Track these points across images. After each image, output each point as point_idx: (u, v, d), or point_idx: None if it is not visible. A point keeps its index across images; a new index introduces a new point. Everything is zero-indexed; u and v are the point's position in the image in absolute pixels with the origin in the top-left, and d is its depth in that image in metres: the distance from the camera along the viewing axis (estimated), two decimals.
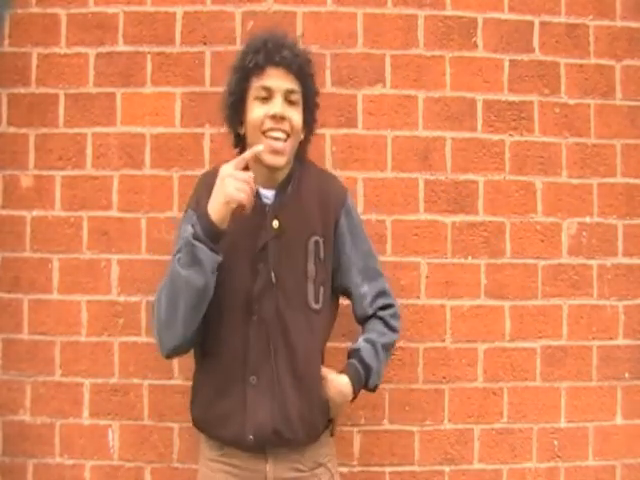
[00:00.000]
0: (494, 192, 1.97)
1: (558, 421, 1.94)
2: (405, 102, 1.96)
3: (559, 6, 1.99)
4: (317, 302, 1.46)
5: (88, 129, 1.95)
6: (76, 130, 1.95)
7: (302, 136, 1.50)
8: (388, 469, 1.90)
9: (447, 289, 1.94)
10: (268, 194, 1.48)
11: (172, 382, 1.91)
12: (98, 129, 1.95)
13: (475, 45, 1.97)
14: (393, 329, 1.58)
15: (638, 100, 2.01)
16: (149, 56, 1.95)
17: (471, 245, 1.95)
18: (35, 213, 1.95)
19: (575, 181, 1.98)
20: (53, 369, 1.92)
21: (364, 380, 1.52)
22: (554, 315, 1.96)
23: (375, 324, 1.57)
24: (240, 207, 1.34)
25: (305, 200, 1.49)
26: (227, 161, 1.38)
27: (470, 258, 1.95)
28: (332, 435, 1.57)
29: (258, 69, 1.42)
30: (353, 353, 1.54)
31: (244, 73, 1.44)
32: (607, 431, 1.95)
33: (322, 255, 1.47)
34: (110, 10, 1.95)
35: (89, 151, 1.95)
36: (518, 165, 1.97)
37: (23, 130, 1.96)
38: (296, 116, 1.44)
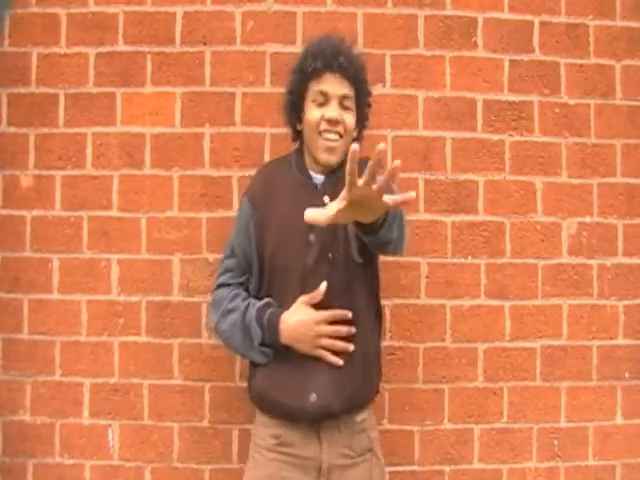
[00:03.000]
0: (494, 192, 1.97)
1: (558, 421, 1.94)
2: (405, 102, 1.96)
3: (559, 6, 1.99)
4: (361, 256, 1.51)
5: (88, 129, 1.95)
6: (76, 130, 1.95)
7: (355, 134, 1.59)
8: (388, 469, 1.89)
9: (447, 289, 1.94)
10: (319, 177, 1.57)
11: (172, 382, 1.91)
12: (98, 129, 1.95)
13: (475, 45, 1.97)
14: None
15: (638, 100, 2.01)
16: (149, 56, 1.95)
17: (471, 245, 1.96)
18: (35, 213, 1.95)
19: (575, 181, 1.98)
20: (53, 369, 1.92)
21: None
22: (554, 315, 1.96)
23: None
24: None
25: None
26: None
27: (470, 258, 1.95)
28: None
29: (316, 74, 1.52)
30: None
31: (303, 76, 1.54)
32: (607, 431, 1.95)
33: None
34: (110, 10, 1.95)
35: (89, 151, 1.95)
36: (518, 165, 1.97)
37: (23, 130, 1.96)
38: (349, 119, 1.53)
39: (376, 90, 1.94)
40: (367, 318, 1.55)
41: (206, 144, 1.95)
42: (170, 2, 1.95)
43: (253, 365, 1.59)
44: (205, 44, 1.95)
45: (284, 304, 1.52)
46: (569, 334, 1.96)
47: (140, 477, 1.90)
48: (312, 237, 1.50)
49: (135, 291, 1.93)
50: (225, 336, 1.59)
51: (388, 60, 1.96)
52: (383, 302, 1.88)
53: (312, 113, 1.52)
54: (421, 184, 1.95)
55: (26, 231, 1.94)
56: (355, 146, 1.07)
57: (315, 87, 1.52)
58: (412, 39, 1.96)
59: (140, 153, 1.95)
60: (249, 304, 1.55)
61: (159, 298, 1.92)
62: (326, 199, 1.50)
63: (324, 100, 1.51)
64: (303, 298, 1.50)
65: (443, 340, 1.93)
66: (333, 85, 1.51)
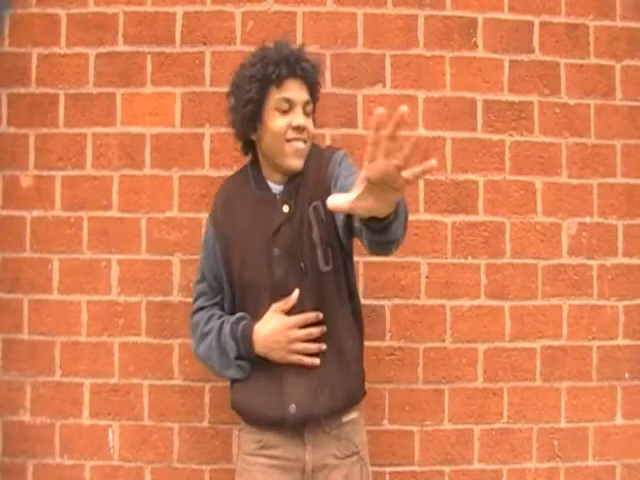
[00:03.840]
0: (494, 192, 1.97)
1: (558, 421, 1.94)
2: (405, 102, 1.96)
3: (559, 6, 1.99)
4: (327, 264, 1.50)
5: (88, 129, 1.95)
6: (76, 130, 1.95)
7: None
8: (388, 469, 1.90)
9: (447, 289, 1.94)
10: (277, 187, 1.55)
11: (172, 382, 1.91)
12: (98, 129, 1.95)
13: (475, 45, 1.97)
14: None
15: (638, 100, 2.01)
16: (149, 56, 1.95)
17: (471, 245, 1.95)
18: (35, 213, 1.95)
19: (575, 181, 1.98)
20: (53, 369, 1.92)
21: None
22: (554, 315, 1.96)
23: None
24: None
25: (306, 179, 1.53)
26: None
27: (470, 258, 1.95)
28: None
29: (279, 81, 1.48)
30: None
31: (264, 83, 1.49)
32: (607, 431, 1.95)
33: (323, 216, 1.50)
34: (110, 10, 1.95)
35: (89, 151, 1.95)
36: (518, 165, 1.97)
37: (23, 130, 1.96)
38: (311, 124, 1.54)
39: (376, 90, 1.95)
40: (340, 320, 1.52)
41: (206, 144, 1.95)
42: (170, 2, 1.95)
43: (232, 380, 1.58)
44: (205, 44, 1.95)
45: (259, 320, 1.52)
46: (569, 334, 1.96)
47: (140, 477, 1.90)
48: (276, 251, 1.49)
49: (135, 291, 1.93)
50: (204, 359, 1.59)
51: (388, 60, 1.96)
52: (383, 302, 1.89)
53: (276, 121, 1.49)
54: (421, 184, 1.95)
55: (26, 231, 1.94)
56: (381, 110, 0.98)
57: (277, 95, 1.49)
58: (412, 39, 1.96)
59: (140, 153, 1.95)
60: (223, 322, 1.55)
61: (159, 298, 1.92)
62: (285, 208, 1.50)
63: (288, 107, 1.49)
64: (275, 306, 1.49)
65: (443, 340, 1.93)
66: (296, 92, 1.50)
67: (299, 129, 1.49)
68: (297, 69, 1.49)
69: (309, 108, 1.53)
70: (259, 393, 1.50)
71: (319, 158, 1.56)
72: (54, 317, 1.93)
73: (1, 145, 1.96)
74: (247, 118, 1.51)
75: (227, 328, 1.52)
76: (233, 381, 1.58)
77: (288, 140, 1.49)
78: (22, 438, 1.92)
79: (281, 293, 1.49)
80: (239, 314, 1.54)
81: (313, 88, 1.55)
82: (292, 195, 1.52)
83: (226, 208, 1.58)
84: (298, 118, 1.49)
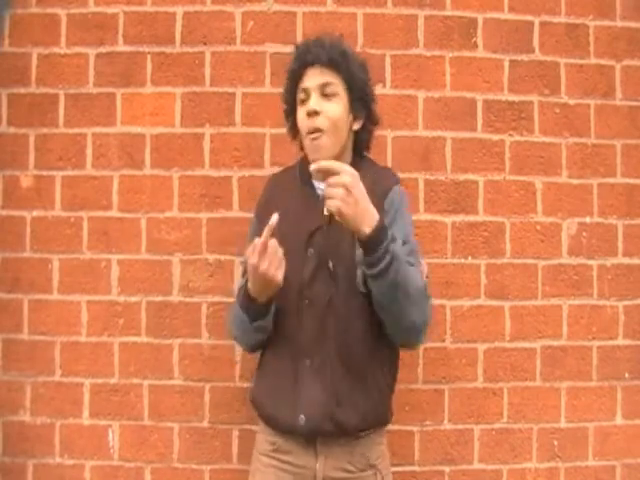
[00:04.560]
0: (494, 192, 1.97)
1: (558, 421, 1.94)
2: (405, 102, 1.96)
3: (559, 6, 1.99)
4: (365, 286, 1.40)
5: (88, 129, 1.95)
6: (76, 130, 1.95)
7: (355, 127, 1.50)
8: None
9: (447, 289, 1.94)
10: (322, 185, 1.46)
11: (172, 382, 1.91)
12: (98, 129, 1.95)
13: (475, 45, 1.97)
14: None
15: (638, 100, 2.01)
16: (149, 56, 1.95)
17: (471, 245, 1.95)
18: (35, 213, 1.95)
19: (575, 181, 1.98)
20: (53, 369, 1.92)
21: (385, 239, 1.32)
22: (554, 315, 1.96)
23: None
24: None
25: None
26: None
27: (470, 258, 1.95)
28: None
29: (297, 74, 1.47)
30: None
31: (289, 81, 1.50)
32: (607, 431, 1.95)
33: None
34: (110, 10, 1.95)
35: (89, 151, 1.95)
36: (518, 165, 1.97)
37: (23, 130, 1.96)
38: (333, 107, 1.44)
39: (376, 90, 1.94)
40: (367, 345, 1.44)
41: (206, 144, 1.95)
42: (170, 2, 1.95)
43: (255, 372, 1.56)
44: (205, 44, 1.95)
45: (285, 318, 1.46)
46: (569, 334, 1.96)
47: (140, 477, 1.90)
48: (311, 251, 1.45)
49: (135, 291, 1.93)
50: (238, 339, 1.56)
51: (388, 60, 1.96)
52: None
53: (298, 114, 1.48)
54: (421, 184, 1.95)
55: (26, 231, 1.94)
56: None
57: (299, 87, 1.48)
58: (412, 39, 1.96)
59: (140, 153, 1.95)
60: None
61: (159, 298, 1.92)
62: (326, 211, 1.41)
63: (305, 97, 1.46)
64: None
65: (443, 340, 1.93)
66: (312, 78, 1.45)
67: (310, 114, 1.43)
68: (308, 57, 1.45)
69: (330, 89, 1.44)
70: (275, 396, 1.46)
71: (374, 179, 1.45)
72: (54, 317, 1.93)
73: (1, 145, 1.96)
74: (285, 115, 1.55)
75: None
76: (256, 372, 1.55)
77: (308, 132, 1.44)
78: (22, 438, 1.92)
79: (306, 295, 1.44)
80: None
81: (340, 68, 1.44)
82: None
83: (270, 201, 1.54)
84: (310, 103, 1.44)
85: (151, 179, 1.94)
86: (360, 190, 1.31)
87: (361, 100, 1.49)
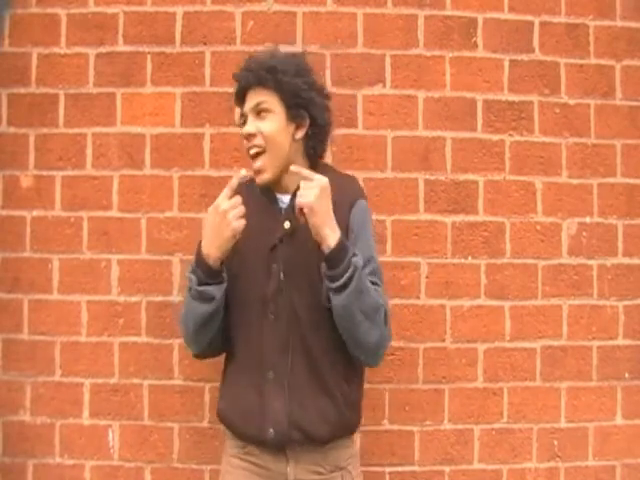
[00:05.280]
0: (494, 192, 1.97)
1: (558, 421, 1.94)
2: (405, 102, 1.96)
3: (559, 6, 1.99)
4: (329, 302, 1.41)
5: (88, 129, 1.95)
6: (76, 130, 1.95)
7: (298, 135, 1.47)
8: (388, 469, 1.90)
9: (447, 289, 1.94)
10: (284, 199, 1.50)
11: (172, 382, 1.91)
12: (98, 129, 1.95)
13: (475, 45, 1.97)
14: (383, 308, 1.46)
15: (638, 100, 2.01)
16: (149, 56, 1.95)
17: (471, 245, 1.95)
18: (35, 213, 1.95)
19: (575, 181, 1.98)
20: (53, 369, 1.92)
21: (346, 255, 1.35)
22: (554, 315, 1.96)
23: None
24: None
25: None
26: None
27: (470, 258, 1.95)
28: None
29: (239, 100, 1.49)
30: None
31: (236, 107, 1.52)
32: (607, 431, 1.95)
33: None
34: (110, 10, 1.95)
35: (89, 151, 1.95)
36: (518, 165, 1.97)
37: (23, 130, 1.96)
38: (266, 125, 1.44)
39: (376, 90, 1.95)
40: (331, 358, 1.44)
41: (206, 144, 1.95)
42: (170, 2, 1.95)
43: (220, 386, 1.56)
44: (205, 44, 1.95)
45: (249, 332, 1.46)
46: (569, 334, 1.96)
47: (140, 477, 1.90)
48: (274, 267, 1.44)
49: (135, 291, 1.93)
50: (188, 338, 1.53)
51: (388, 60, 1.96)
52: None
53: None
54: (421, 184, 1.95)
55: (26, 231, 1.94)
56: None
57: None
58: (412, 39, 1.96)
59: (140, 153, 1.95)
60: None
61: (159, 298, 1.92)
62: (287, 225, 1.44)
63: (243, 121, 1.48)
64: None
65: (443, 340, 1.93)
66: (249, 101, 1.46)
67: (246, 137, 1.45)
68: (245, 81, 1.46)
69: (263, 107, 1.43)
70: (241, 408, 1.46)
71: (339, 186, 1.44)
72: (54, 317, 1.93)
73: (1, 145, 1.96)
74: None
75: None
76: (220, 388, 1.56)
77: (250, 156, 1.47)
78: (22, 438, 1.92)
79: (271, 310, 1.44)
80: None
81: (270, 81, 1.42)
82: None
83: None
84: (245, 127, 1.46)
85: (151, 179, 1.94)
86: (329, 201, 1.37)
87: (298, 106, 1.45)
